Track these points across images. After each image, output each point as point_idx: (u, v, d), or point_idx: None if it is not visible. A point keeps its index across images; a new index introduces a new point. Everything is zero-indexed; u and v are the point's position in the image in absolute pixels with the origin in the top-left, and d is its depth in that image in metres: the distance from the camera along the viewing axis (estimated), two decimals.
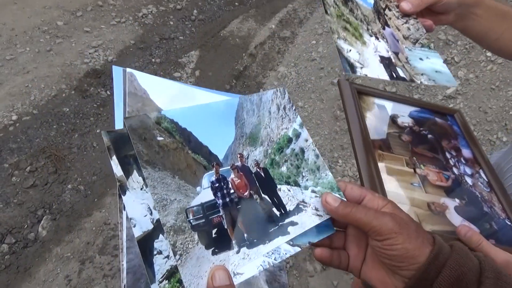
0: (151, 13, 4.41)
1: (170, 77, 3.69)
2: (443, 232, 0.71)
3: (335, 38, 0.72)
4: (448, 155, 0.86)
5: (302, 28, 4.36)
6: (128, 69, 0.58)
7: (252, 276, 0.54)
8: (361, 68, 0.72)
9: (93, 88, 3.43)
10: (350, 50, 0.73)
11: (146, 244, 0.48)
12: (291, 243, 0.59)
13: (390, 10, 0.92)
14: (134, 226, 0.47)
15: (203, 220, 0.54)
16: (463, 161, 0.87)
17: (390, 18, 0.91)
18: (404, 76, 0.78)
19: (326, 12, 0.75)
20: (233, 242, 0.55)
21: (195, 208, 0.54)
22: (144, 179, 0.51)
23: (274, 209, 0.61)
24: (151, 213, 0.49)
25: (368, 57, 0.76)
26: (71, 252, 2.46)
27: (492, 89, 3.35)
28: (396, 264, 0.51)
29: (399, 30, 0.90)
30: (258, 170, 0.63)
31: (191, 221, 0.53)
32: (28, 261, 2.41)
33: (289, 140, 0.68)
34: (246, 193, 0.60)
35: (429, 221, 0.72)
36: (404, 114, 0.90)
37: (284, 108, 0.71)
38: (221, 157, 0.60)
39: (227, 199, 0.58)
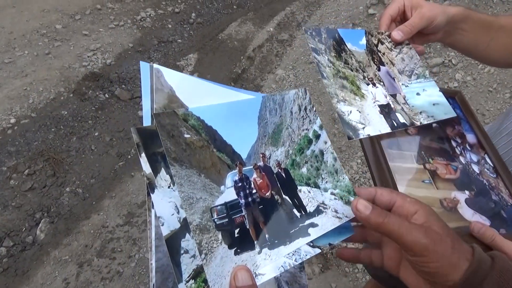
0: (150, 17, 4.40)
1: None
2: (456, 229, 0.71)
3: (335, 103, 0.73)
4: (453, 143, 0.87)
5: (300, 31, 4.38)
6: (155, 65, 0.57)
7: (274, 277, 0.54)
8: (363, 128, 0.72)
9: (92, 91, 3.41)
10: (351, 112, 0.73)
11: (173, 243, 0.48)
12: (311, 244, 0.59)
13: (382, 43, 0.91)
14: (163, 225, 0.47)
15: (227, 220, 0.54)
16: (469, 148, 0.88)
17: (383, 54, 0.90)
18: (405, 121, 0.79)
19: (323, 76, 0.75)
20: (255, 242, 0.55)
21: (219, 207, 0.54)
22: (171, 177, 0.50)
23: (295, 210, 0.61)
24: (178, 212, 0.49)
25: (368, 112, 0.76)
26: (69, 255, 2.44)
27: (490, 92, 3.38)
28: (430, 279, 0.51)
29: (393, 64, 0.90)
30: (280, 170, 0.63)
31: (215, 220, 0.53)
32: (26, 264, 2.38)
33: (310, 142, 0.68)
34: (267, 194, 0.60)
35: (443, 220, 0.72)
36: None
37: (305, 108, 0.71)
38: (244, 156, 0.60)
39: (249, 199, 0.58)
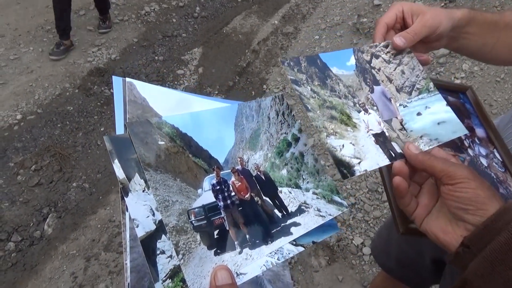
0: (154, 11, 4.41)
1: (174, 74, 3.70)
2: None
3: (324, 138, 0.66)
4: (462, 136, 0.84)
5: (305, 24, 4.36)
6: (127, 79, 0.59)
7: (256, 276, 0.55)
8: (359, 163, 0.66)
9: (97, 87, 3.45)
10: (343, 146, 0.67)
11: (149, 243, 0.49)
12: (294, 243, 0.61)
13: (377, 57, 0.82)
14: (137, 227, 0.49)
15: (205, 221, 0.55)
16: (477, 141, 0.87)
17: (379, 70, 0.81)
18: (402, 151, 0.70)
19: (307, 108, 0.68)
20: (235, 243, 0.56)
21: (196, 209, 0.55)
22: (146, 182, 0.52)
23: (276, 211, 0.62)
24: (153, 214, 0.51)
25: (363, 144, 0.69)
26: (77, 250, 2.49)
27: (497, 82, 3.35)
28: (464, 207, 0.54)
29: (391, 81, 0.80)
30: (259, 173, 0.64)
31: (193, 222, 0.54)
32: (34, 258, 2.43)
33: (289, 144, 0.69)
34: (247, 196, 0.61)
35: None
36: None
37: (283, 113, 0.72)
38: (221, 161, 0.61)
39: (228, 201, 0.59)
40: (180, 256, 0.50)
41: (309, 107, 0.69)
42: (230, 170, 0.61)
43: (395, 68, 0.82)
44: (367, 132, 0.71)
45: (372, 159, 0.67)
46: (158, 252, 0.49)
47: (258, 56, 4.01)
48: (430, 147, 0.71)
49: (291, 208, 0.64)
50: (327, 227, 0.65)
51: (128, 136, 0.54)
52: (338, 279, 2.39)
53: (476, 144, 0.86)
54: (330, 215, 0.64)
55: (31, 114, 3.15)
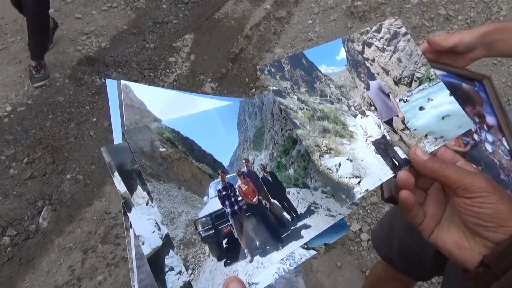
0: None
1: (165, 62, 3.63)
2: None
3: (317, 158, 0.57)
4: None
5: (298, 8, 4.28)
6: (122, 81, 0.55)
7: (268, 285, 0.53)
8: (359, 182, 0.58)
9: (87, 76, 3.38)
10: (340, 165, 0.59)
11: (156, 261, 0.47)
12: (306, 246, 0.58)
13: (369, 46, 0.73)
14: (143, 244, 0.46)
15: (213, 231, 0.53)
16: (486, 128, 0.84)
17: (373, 61, 0.73)
18: (406, 156, 0.63)
19: (295, 125, 0.59)
20: (245, 251, 0.54)
21: (203, 219, 0.52)
22: (149, 193, 0.49)
23: (285, 214, 0.60)
24: (159, 229, 0.48)
25: (362, 157, 0.62)
26: (73, 242, 2.46)
27: (494, 64, 3.33)
28: (483, 224, 0.49)
29: (387, 73, 0.72)
30: (265, 174, 0.61)
31: (201, 232, 0.51)
32: (30, 252, 2.41)
33: (294, 142, 0.66)
34: (254, 199, 0.59)
35: None
36: None
37: None
38: (226, 164, 0.59)
39: (236, 207, 0.56)
40: (190, 271, 0.48)
41: (298, 123, 0.60)
42: (235, 174, 0.59)
43: (391, 57, 0.74)
44: (366, 140, 0.64)
45: (373, 174, 0.60)
46: (166, 269, 0.47)
47: (251, 42, 3.94)
48: (436, 147, 0.64)
49: (300, 209, 0.61)
50: (338, 227, 0.63)
51: (127, 145, 0.50)
52: (337, 266, 2.40)
53: (483, 131, 0.83)
54: (340, 214, 0.62)
55: (21, 106, 3.08)
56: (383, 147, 0.64)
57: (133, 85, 0.55)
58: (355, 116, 0.66)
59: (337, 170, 0.58)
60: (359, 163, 0.60)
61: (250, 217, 0.57)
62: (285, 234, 0.58)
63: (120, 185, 0.47)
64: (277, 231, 0.58)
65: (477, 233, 0.51)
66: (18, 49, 3.52)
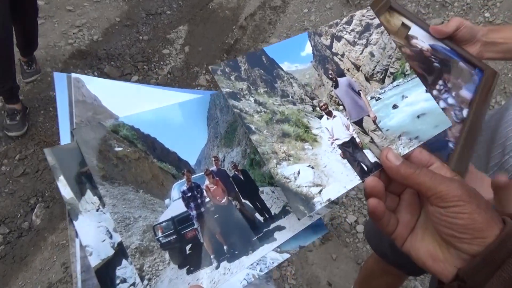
0: None
1: (159, 54, 3.58)
2: None
3: (273, 166, 0.52)
4: (440, 82, 0.73)
5: None
6: (73, 75, 0.50)
7: None
8: (320, 191, 0.53)
9: (80, 70, 3.32)
10: (299, 173, 0.54)
11: (106, 273, 0.42)
12: (279, 249, 0.55)
13: (339, 40, 0.67)
14: (91, 255, 0.42)
15: (175, 236, 0.49)
16: (453, 95, 0.75)
17: (342, 56, 0.67)
18: (377, 160, 0.58)
19: (250, 130, 0.53)
20: (211, 256, 0.50)
21: (164, 223, 0.48)
22: (100, 198, 0.45)
23: (257, 215, 0.56)
24: (110, 237, 0.44)
25: (325, 163, 0.56)
26: (67, 240, 2.43)
27: None
28: (458, 235, 0.46)
29: (358, 69, 0.67)
30: (236, 173, 0.57)
31: (160, 239, 0.47)
32: (23, 250, 2.38)
33: None
34: (223, 200, 0.55)
35: None
36: (426, 42, 0.76)
37: None
38: (192, 162, 0.54)
39: (202, 209, 0.52)
40: (146, 281, 0.44)
41: (253, 128, 0.54)
42: (203, 173, 0.54)
43: (362, 51, 0.68)
44: (331, 144, 0.59)
45: (338, 181, 0.55)
46: (118, 281, 0.43)
47: (246, 32, 3.88)
48: (411, 148, 0.60)
49: (274, 210, 0.57)
50: (315, 228, 0.59)
51: (76, 145, 0.46)
52: (332, 258, 2.37)
53: (449, 94, 0.75)
54: (318, 214, 0.58)
55: None
56: (350, 151, 0.59)
57: (86, 79, 0.50)
58: (320, 117, 0.61)
59: (295, 178, 0.53)
60: (321, 169, 0.56)
61: (218, 220, 0.53)
62: (256, 237, 0.54)
63: (65, 191, 0.43)
64: (248, 233, 0.54)
65: (452, 244, 0.47)
66: None
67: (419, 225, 0.53)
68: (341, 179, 0.56)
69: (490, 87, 0.83)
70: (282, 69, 0.63)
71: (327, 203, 0.53)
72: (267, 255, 0.53)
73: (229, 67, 0.58)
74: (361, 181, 0.56)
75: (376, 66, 0.68)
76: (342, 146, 0.59)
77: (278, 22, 3.97)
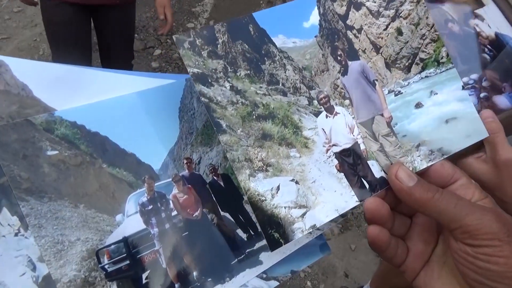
0: None
1: (183, 27, 3.49)
2: None
3: (244, 179, 0.39)
4: (473, 76, 0.60)
5: None
6: None
7: None
8: (303, 214, 0.41)
9: None
10: (278, 190, 0.41)
11: None
12: (265, 276, 0.44)
13: (358, 8, 0.49)
14: None
15: (127, 262, 0.39)
16: (481, 96, 0.60)
17: (360, 30, 0.49)
18: (384, 174, 0.45)
19: (219, 128, 0.40)
20: (176, 286, 0.40)
21: (112, 247, 0.38)
22: (21, 219, 0.35)
23: (239, 231, 0.45)
24: (33, 268, 0.34)
25: (315, 176, 0.43)
26: None
27: None
28: (490, 284, 0.35)
29: (378, 50, 0.49)
30: (215, 178, 0.46)
31: (106, 266, 0.37)
32: None
33: None
34: (196, 213, 0.44)
35: None
36: (493, 28, 0.62)
37: None
38: (156, 166, 0.43)
39: (167, 226, 0.42)
40: None
41: (224, 125, 0.40)
42: (170, 179, 0.44)
43: (387, 26, 0.50)
44: (327, 151, 0.45)
45: (328, 202, 0.42)
46: None
47: None
48: (430, 163, 0.45)
49: None
50: (313, 247, 0.48)
51: None
52: (351, 248, 2.29)
53: (477, 92, 0.60)
54: (318, 229, 0.47)
55: None
56: (350, 162, 0.45)
57: (12, 61, 0.39)
58: (317, 114, 0.46)
59: (272, 196, 0.40)
60: (308, 185, 0.43)
61: (188, 238, 0.42)
62: (236, 259, 0.43)
63: None
64: (226, 255, 0.43)
65: None
66: (34, 11, 3.43)
67: (435, 258, 0.42)
68: (332, 199, 0.42)
69: None
70: (274, 45, 0.46)
71: (311, 230, 0.40)
72: (249, 283, 0.43)
73: (201, 38, 0.42)
74: (359, 202, 0.43)
75: (402, 48, 0.51)
76: (340, 155, 0.45)
77: None
